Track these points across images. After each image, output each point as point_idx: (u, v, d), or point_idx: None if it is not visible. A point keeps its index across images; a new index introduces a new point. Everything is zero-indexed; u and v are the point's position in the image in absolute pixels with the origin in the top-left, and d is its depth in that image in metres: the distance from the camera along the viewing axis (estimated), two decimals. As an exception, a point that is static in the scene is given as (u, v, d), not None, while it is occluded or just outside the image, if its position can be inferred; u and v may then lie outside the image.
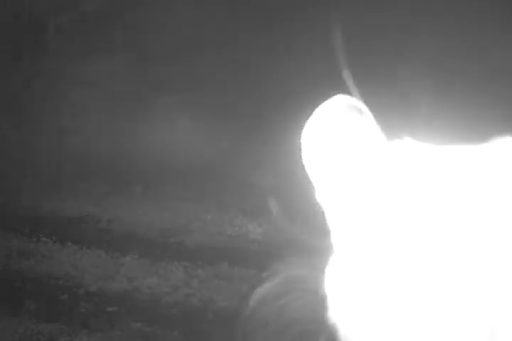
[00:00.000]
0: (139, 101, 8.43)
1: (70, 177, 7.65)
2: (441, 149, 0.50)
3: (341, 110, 0.54)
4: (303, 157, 0.52)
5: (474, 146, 0.45)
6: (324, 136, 0.52)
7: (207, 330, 3.70)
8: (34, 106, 8.26)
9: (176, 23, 8.16)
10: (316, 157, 0.51)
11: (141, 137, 8.48)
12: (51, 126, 8.25)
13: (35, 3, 8.13)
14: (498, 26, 5.96)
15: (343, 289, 0.48)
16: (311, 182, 0.65)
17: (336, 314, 0.50)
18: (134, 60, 8.67)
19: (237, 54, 8.04)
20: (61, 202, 6.64)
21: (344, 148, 0.49)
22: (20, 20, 8.25)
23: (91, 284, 4.34)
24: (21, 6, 8.17)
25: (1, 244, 5.10)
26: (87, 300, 4.08)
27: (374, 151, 0.48)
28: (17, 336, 3.49)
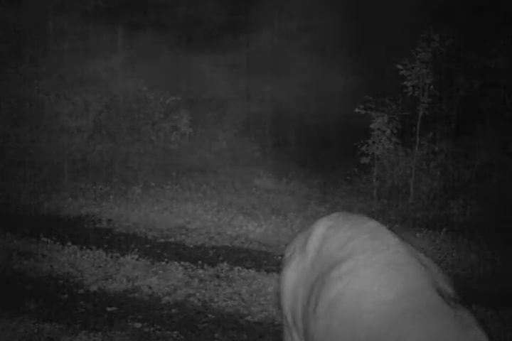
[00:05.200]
0: (139, 100, 8.43)
1: (70, 177, 7.66)
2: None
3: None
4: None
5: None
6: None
7: (207, 330, 3.70)
8: (34, 106, 8.26)
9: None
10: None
11: (141, 137, 8.48)
12: (51, 125, 8.26)
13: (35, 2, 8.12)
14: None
15: None
16: None
17: None
18: (134, 60, 8.67)
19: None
20: (61, 202, 6.64)
21: None
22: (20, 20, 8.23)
23: (91, 284, 4.35)
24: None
25: (1, 244, 5.11)
26: (87, 300, 4.08)
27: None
28: (17, 336, 3.49)
